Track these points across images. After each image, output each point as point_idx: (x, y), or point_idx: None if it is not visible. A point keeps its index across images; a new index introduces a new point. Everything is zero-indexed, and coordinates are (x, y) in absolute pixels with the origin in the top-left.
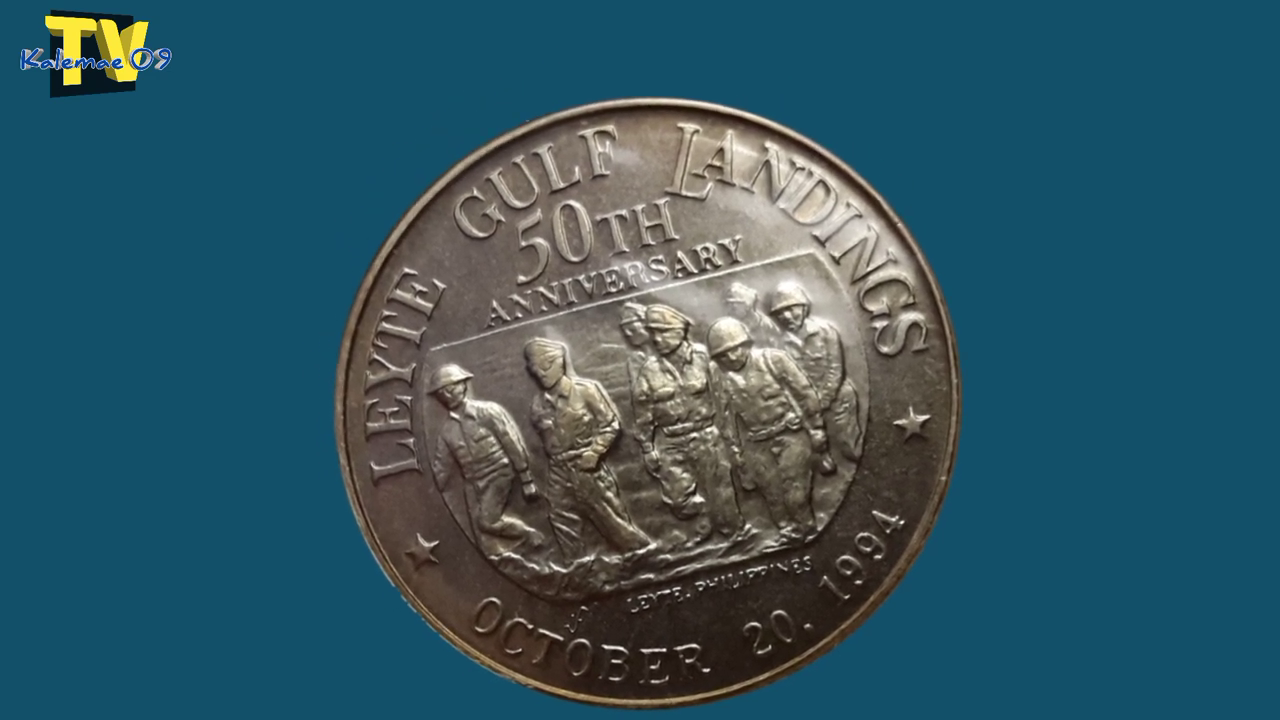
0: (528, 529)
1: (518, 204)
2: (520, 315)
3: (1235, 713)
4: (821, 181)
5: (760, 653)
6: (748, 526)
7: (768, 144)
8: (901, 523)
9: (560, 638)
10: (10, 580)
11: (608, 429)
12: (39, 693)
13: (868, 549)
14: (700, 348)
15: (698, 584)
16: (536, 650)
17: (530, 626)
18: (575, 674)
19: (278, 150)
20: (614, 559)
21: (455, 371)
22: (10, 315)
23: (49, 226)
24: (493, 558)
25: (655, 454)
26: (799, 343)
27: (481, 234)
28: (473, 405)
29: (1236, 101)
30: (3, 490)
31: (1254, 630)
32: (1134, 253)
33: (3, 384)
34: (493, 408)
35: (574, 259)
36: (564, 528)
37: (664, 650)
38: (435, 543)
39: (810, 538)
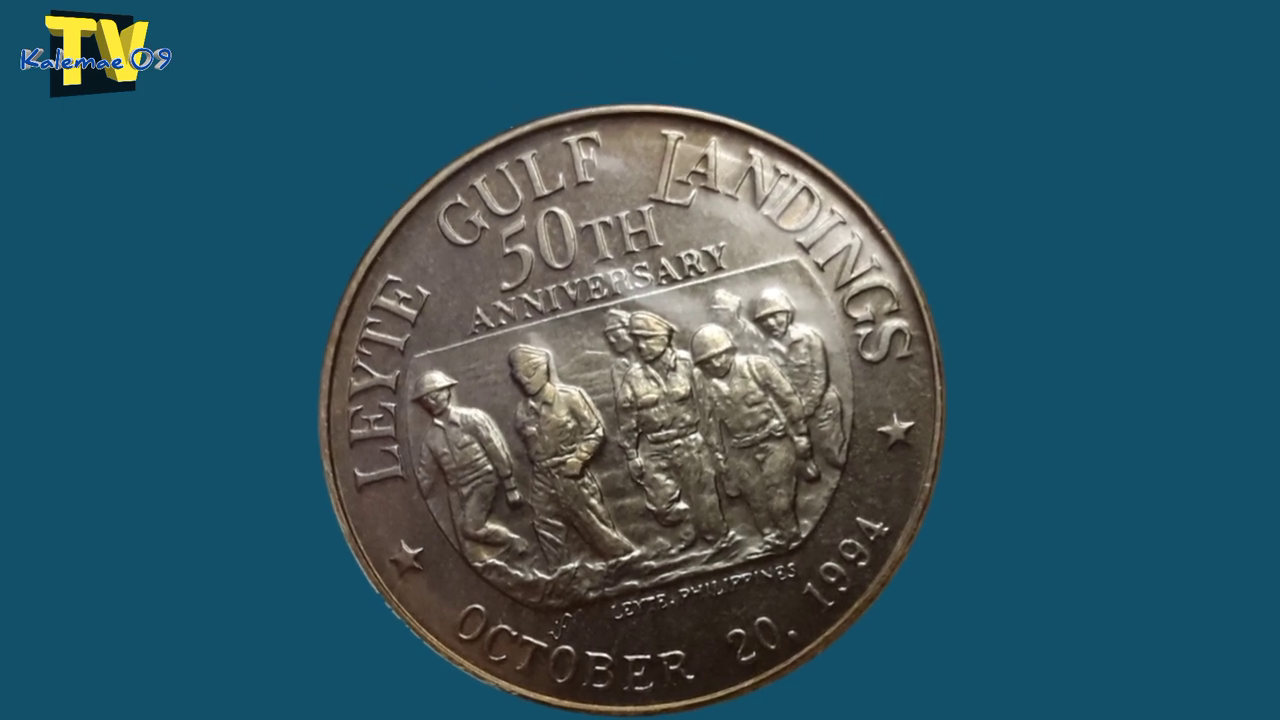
0: (511, 536)
1: (502, 211)
2: (504, 322)
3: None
4: (805, 188)
5: (744, 659)
6: (731, 533)
7: (752, 150)
8: (885, 529)
9: (544, 644)
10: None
11: (591, 436)
12: (29, 706)
13: (852, 556)
14: (684, 354)
15: (682, 591)
16: (520, 657)
17: (514, 633)
18: (559, 681)
19: (270, 153)
20: (598, 566)
21: (439, 378)
22: (9, 314)
23: (49, 226)
24: (477, 564)
25: (639, 461)
26: (783, 349)
27: (465, 241)
28: (457, 412)
29: (1217, 110)
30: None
31: (1237, 642)
32: (1118, 258)
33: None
34: (477, 414)
35: (558, 266)
36: (548, 534)
37: (648, 657)
38: (419, 549)
39: (794, 544)
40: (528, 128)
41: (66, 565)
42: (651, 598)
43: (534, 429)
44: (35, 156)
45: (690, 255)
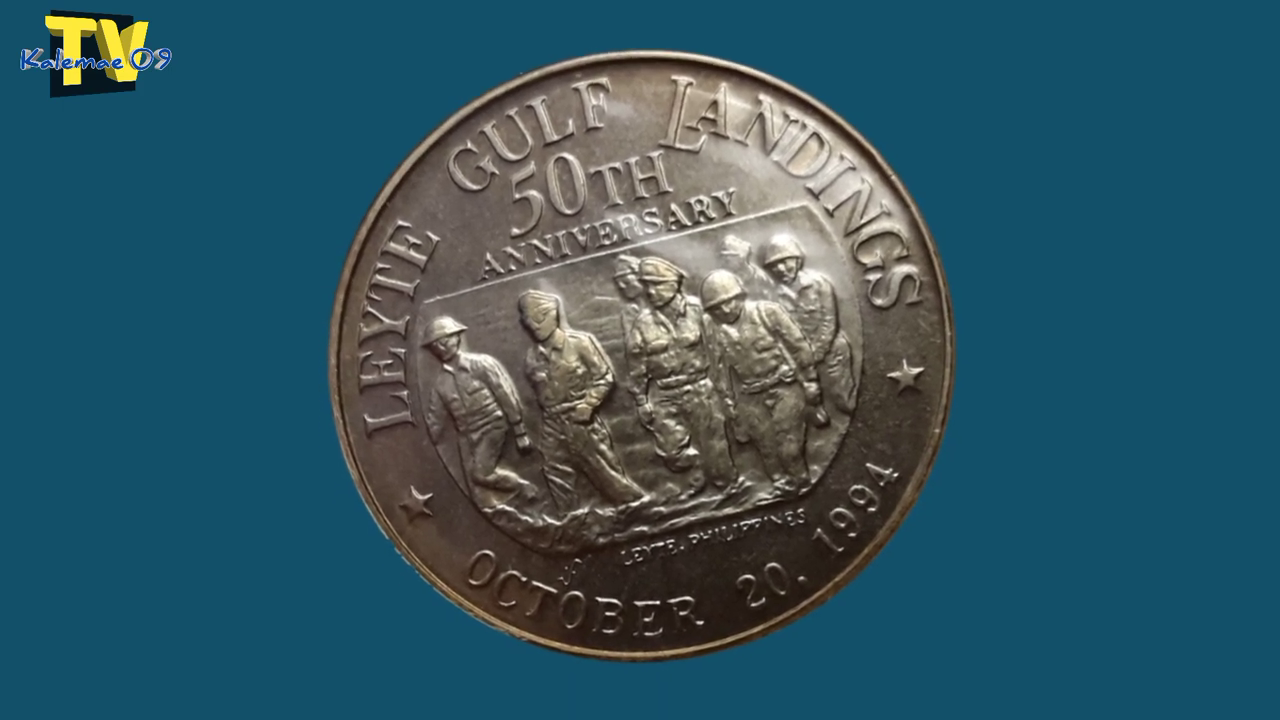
0: (521, 481)
1: (511, 156)
2: (514, 268)
3: (1222, 664)
4: (815, 134)
5: (754, 605)
6: (741, 479)
7: (761, 96)
8: (895, 475)
9: (554, 590)
10: (8, 558)
11: (601, 381)
12: (40, 652)
13: (861, 501)
14: (694, 300)
15: (691, 537)
16: (530, 603)
17: (524, 579)
18: (569, 626)
19: (277, 143)
20: (608, 511)
21: (449, 324)
22: (11, 314)
23: (49, 226)
24: (486, 510)
25: (649, 407)
26: (793, 295)
27: (475, 186)
28: (466, 358)
29: (1229, 72)
30: (8, 476)
31: (1242, 580)
32: (1128, 204)
33: (3, 381)
34: (486, 360)
35: (568, 211)
36: (558, 480)
37: (658, 603)
38: (429, 495)
39: (804, 490)
40: (537, 74)
41: (79, 520)
42: (661, 543)
43: (544, 374)
44: (35, 156)
45: (700, 201)
